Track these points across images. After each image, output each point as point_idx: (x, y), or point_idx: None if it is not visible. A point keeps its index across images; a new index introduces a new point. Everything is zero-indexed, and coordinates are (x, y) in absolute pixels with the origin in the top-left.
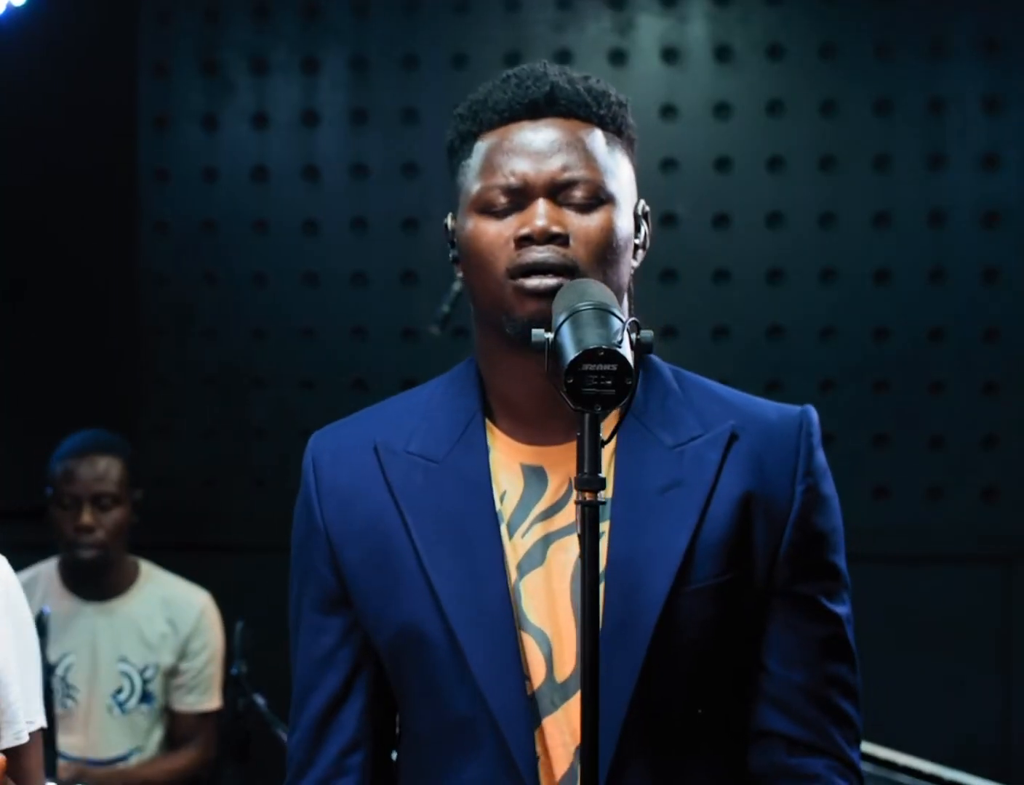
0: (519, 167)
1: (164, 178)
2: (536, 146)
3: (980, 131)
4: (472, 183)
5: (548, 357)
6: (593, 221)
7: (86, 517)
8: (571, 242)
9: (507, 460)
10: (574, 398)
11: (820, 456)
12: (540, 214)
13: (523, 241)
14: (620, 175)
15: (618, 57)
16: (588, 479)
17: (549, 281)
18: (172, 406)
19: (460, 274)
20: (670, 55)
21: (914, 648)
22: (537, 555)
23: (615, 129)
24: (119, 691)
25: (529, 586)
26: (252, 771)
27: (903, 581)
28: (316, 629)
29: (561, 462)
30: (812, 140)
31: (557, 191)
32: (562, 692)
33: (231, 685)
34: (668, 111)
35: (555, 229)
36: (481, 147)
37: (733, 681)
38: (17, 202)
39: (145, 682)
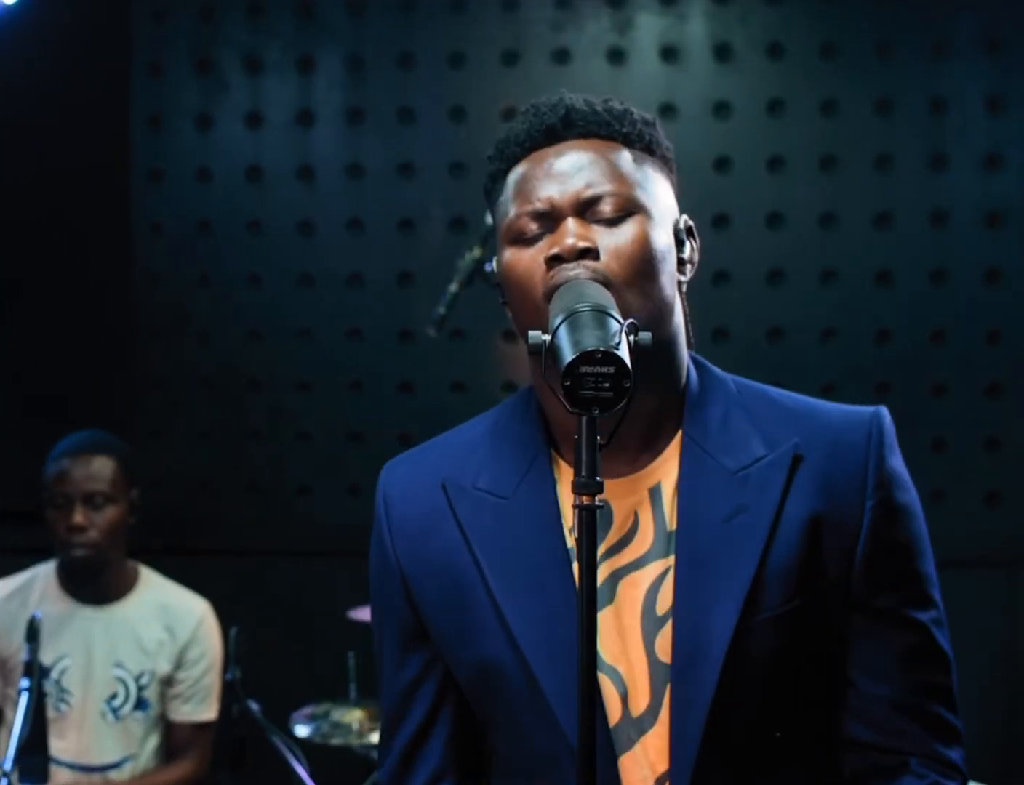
0: (544, 191)
1: (158, 178)
2: (559, 168)
3: (982, 131)
4: (504, 217)
5: (545, 359)
6: (623, 233)
7: (77, 516)
8: (602, 256)
9: (572, 494)
10: (571, 401)
11: (893, 463)
12: (568, 232)
13: (554, 261)
14: (651, 189)
15: (617, 56)
16: (585, 482)
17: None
18: (167, 408)
19: (510, 315)
20: (669, 54)
21: None
22: (606, 592)
23: (643, 146)
24: (114, 696)
25: (601, 624)
26: (246, 778)
27: None
28: (398, 663)
29: (625, 495)
30: (812, 140)
31: (584, 208)
32: (638, 727)
33: (225, 691)
34: (667, 110)
35: (582, 245)
36: (510, 181)
37: (814, 698)
38: (10, 202)
39: (140, 688)
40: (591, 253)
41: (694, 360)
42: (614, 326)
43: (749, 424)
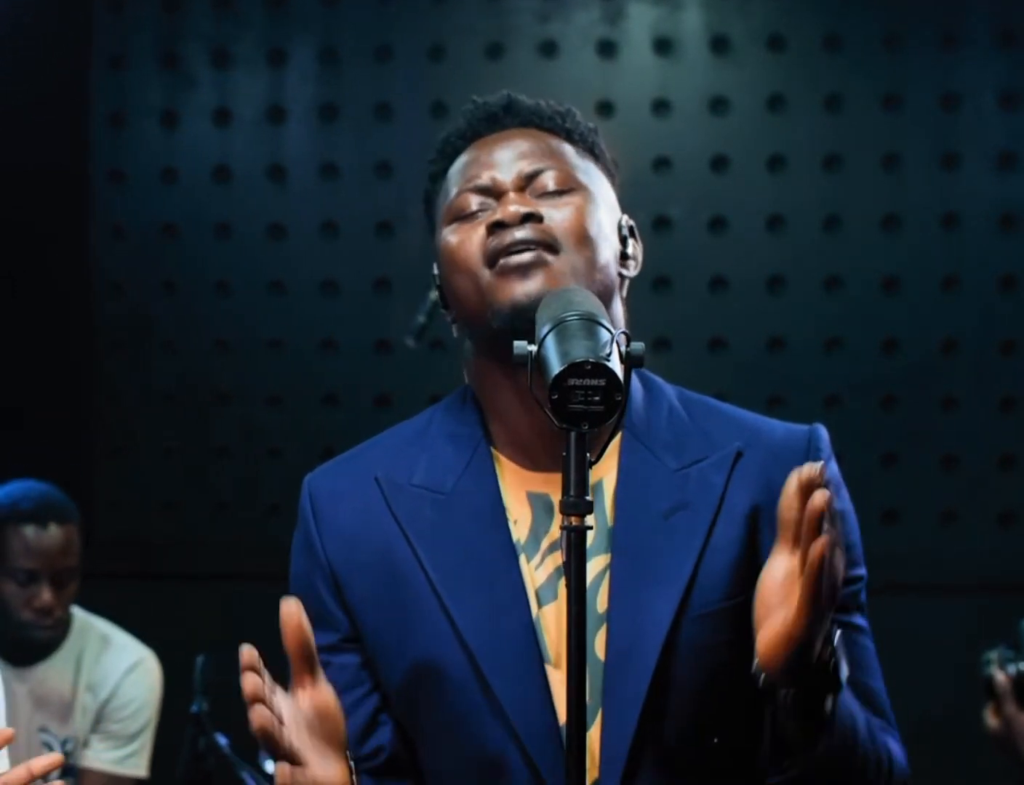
0: (486, 170)
1: (120, 179)
2: (501, 150)
3: (996, 128)
4: (444, 203)
5: (531, 371)
6: (567, 204)
7: (46, 596)
8: (546, 221)
9: (513, 488)
10: (559, 415)
11: (832, 468)
12: (510, 200)
13: (495, 228)
14: (593, 179)
15: (608, 49)
16: (574, 502)
17: (526, 256)
18: (129, 424)
19: (448, 317)
20: (663, 46)
21: (927, 681)
22: (550, 589)
23: (586, 147)
24: None
25: (546, 622)
26: None
27: (914, 611)
28: (332, 668)
29: None
30: (816, 138)
31: (525, 184)
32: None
33: (191, 723)
34: (661, 106)
35: (525, 209)
36: (451, 172)
37: (750, 707)
38: None
39: (67, 755)
40: (535, 217)
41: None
42: (605, 336)
43: (691, 427)
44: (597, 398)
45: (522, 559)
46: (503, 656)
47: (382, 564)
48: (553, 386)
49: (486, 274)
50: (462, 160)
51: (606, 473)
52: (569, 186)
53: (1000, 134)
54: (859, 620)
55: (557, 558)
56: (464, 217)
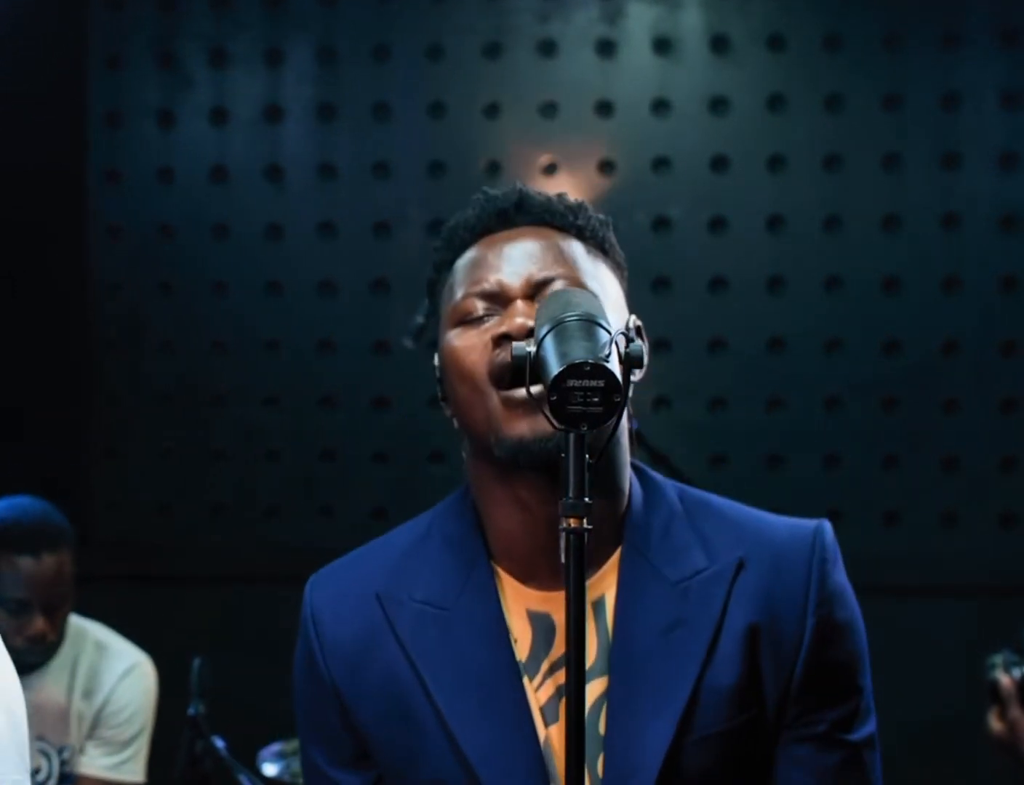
0: (493, 273)
1: (116, 179)
2: (509, 253)
3: (997, 128)
4: (448, 301)
5: (530, 372)
6: None
7: (39, 625)
8: None
9: (514, 606)
10: (558, 416)
11: (836, 579)
12: (518, 311)
13: (502, 340)
14: (603, 281)
15: (607, 48)
16: (573, 504)
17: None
18: (125, 425)
19: (448, 413)
20: (663, 46)
21: (928, 684)
22: (553, 709)
23: (596, 244)
24: (37, 772)
25: (552, 740)
26: None
27: (915, 614)
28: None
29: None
30: (816, 138)
31: (535, 292)
32: None
33: (188, 726)
34: (661, 106)
35: (532, 323)
36: (457, 267)
37: None
38: None
39: (63, 763)
40: None
41: (634, 466)
42: (604, 336)
43: (692, 534)
44: (596, 399)
45: (525, 680)
46: (511, 781)
47: (387, 687)
48: (552, 387)
49: (493, 397)
50: (469, 256)
51: (607, 588)
52: None
53: (1001, 134)
54: (850, 736)
55: (558, 678)
56: (470, 322)
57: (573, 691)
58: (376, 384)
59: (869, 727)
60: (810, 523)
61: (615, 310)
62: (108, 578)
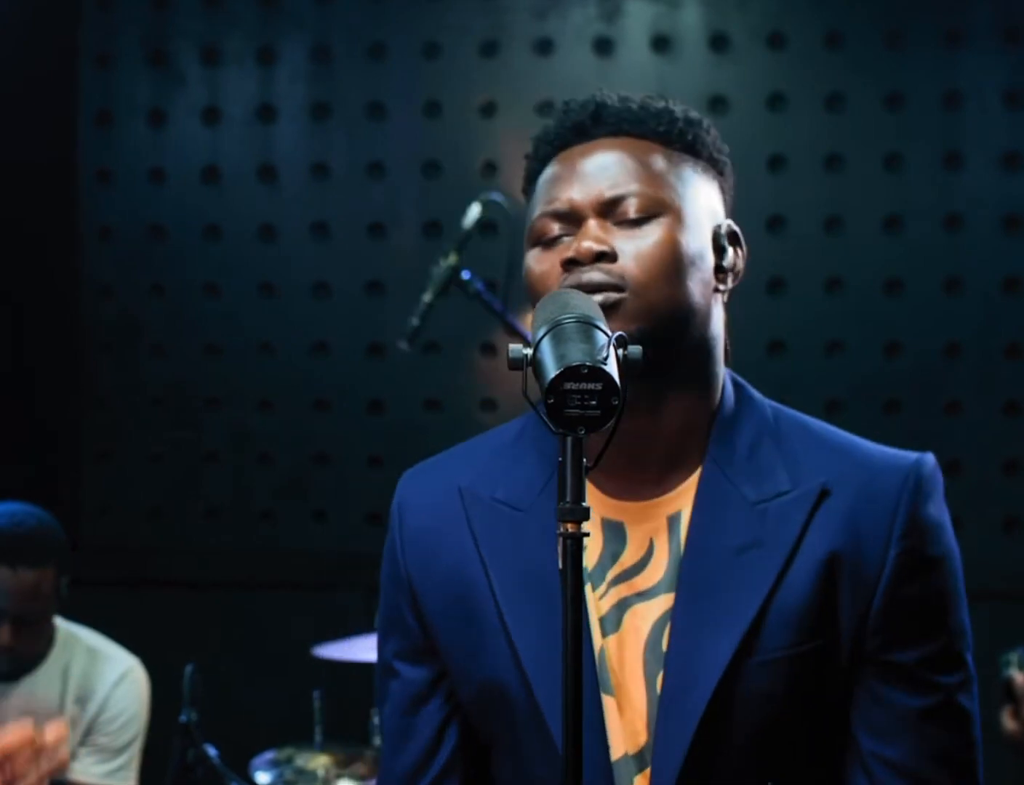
0: (565, 192)
1: (107, 179)
2: (584, 169)
3: (1000, 127)
4: (529, 218)
5: (527, 374)
6: (646, 235)
7: (5, 636)
8: (620, 259)
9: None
10: (555, 420)
11: (929, 512)
12: (586, 234)
13: (569, 265)
14: (686, 190)
15: (604, 46)
16: (571, 509)
17: (596, 299)
18: (117, 428)
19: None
20: (661, 44)
21: None
22: (612, 620)
23: (684, 146)
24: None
25: (608, 650)
26: None
27: None
28: (403, 679)
29: (643, 519)
30: (817, 137)
31: (607, 210)
32: (638, 764)
33: (180, 734)
34: None
35: (598, 248)
36: (540, 182)
37: (814, 751)
38: None
39: None
40: (607, 256)
41: (733, 379)
42: (601, 339)
43: (779, 455)
44: (594, 402)
45: (588, 588)
46: (558, 686)
47: (455, 579)
48: (549, 390)
49: None
50: (548, 172)
51: (684, 505)
52: (653, 212)
53: (1004, 133)
54: (940, 678)
55: (622, 589)
56: (545, 243)
57: (571, 692)
58: (370, 387)
59: (964, 673)
60: (912, 454)
61: (697, 227)
62: (99, 583)
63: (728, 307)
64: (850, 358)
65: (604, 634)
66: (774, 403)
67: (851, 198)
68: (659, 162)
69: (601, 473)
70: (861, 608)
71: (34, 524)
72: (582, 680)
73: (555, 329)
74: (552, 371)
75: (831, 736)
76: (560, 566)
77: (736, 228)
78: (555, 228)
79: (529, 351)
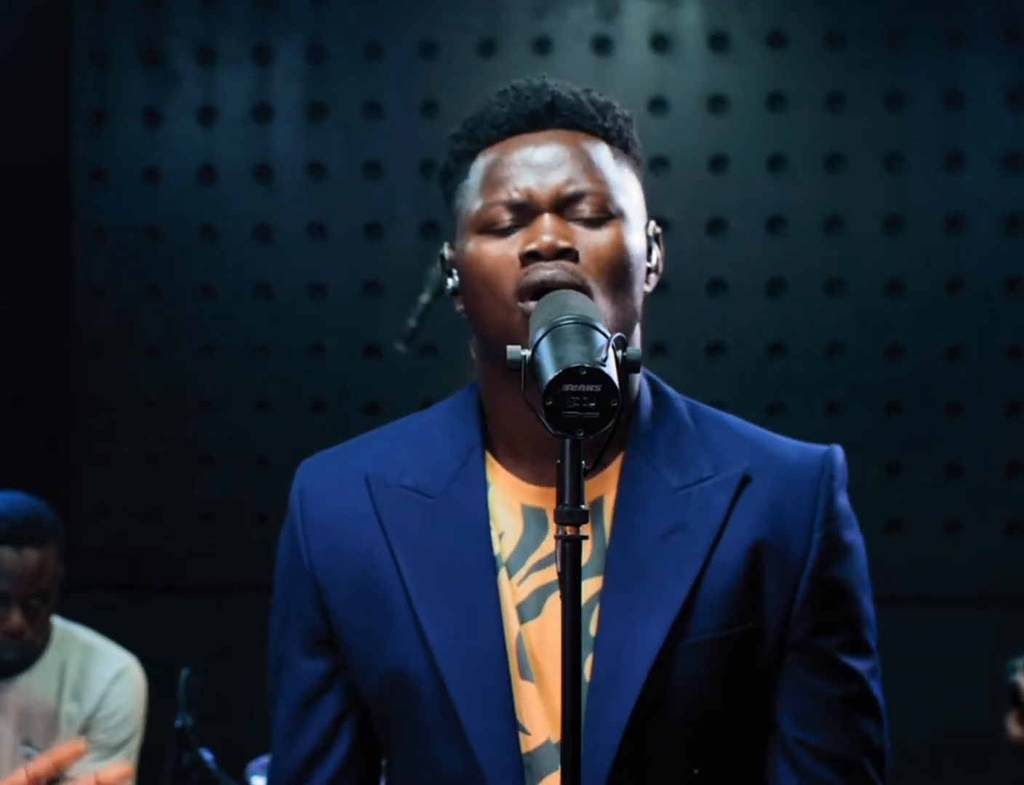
0: (522, 181)
1: (102, 180)
2: (539, 159)
3: (1002, 127)
4: (472, 203)
5: (525, 376)
6: (603, 236)
7: (16, 619)
8: (581, 258)
9: (507, 498)
10: (554, 422)
11: (842, 501)
12: (547, 228)
13: (529, 258)
14: (629, 191)
15: (603, 46)
16: (570, 511)
17: None
18: (111, 431)
19: (460, 307)
20: (661, 43)
21: (931, 696)
22: (532, 606)
23: (621, 144)
24: None
25: (528, 636)
26: None
27: (918, 624)
28: (299, 672)
29: None
30: (817, 137)
31: (563, 205)
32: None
33: (175, 738)
34: (658, 105)
35: (563, 244)
36: (480, 165)
37: (739, 740)
38: None
39: None
40: (570, 253)
41: (647, 375)
42: (600, 340)
43: (699, 444)
44: (593, 404)
45: (503, 573)
46: (470, 674)
47: (362, 569)
48: (547, 392)
49: (517, 314)
50: (493, 156)
51: (608, 490)
52: (607, 212)
53: (1006, 133)
54: (855, 663)
55: (544, 575)
56: (494, 232)
57: (569, 691)
58: (367, 389)
59: (874, 661)
60: (822, 446)
61: (639, 228)
62: (94, 586)
63: (725, 308)
64: (851, 359)
65: (523, 620)
66: (688, 399)
67: (851, 198)
68: (607, 160)
69: (520, 460)
70: (789, 593)
71: (31, 506)
72: (581, 680)
73: (553, 330)
74: (551, 372)
75: (756, 727)
76: (558, 569)
77: (659, 229)
78: (507, 218)
79: (527, 353)
